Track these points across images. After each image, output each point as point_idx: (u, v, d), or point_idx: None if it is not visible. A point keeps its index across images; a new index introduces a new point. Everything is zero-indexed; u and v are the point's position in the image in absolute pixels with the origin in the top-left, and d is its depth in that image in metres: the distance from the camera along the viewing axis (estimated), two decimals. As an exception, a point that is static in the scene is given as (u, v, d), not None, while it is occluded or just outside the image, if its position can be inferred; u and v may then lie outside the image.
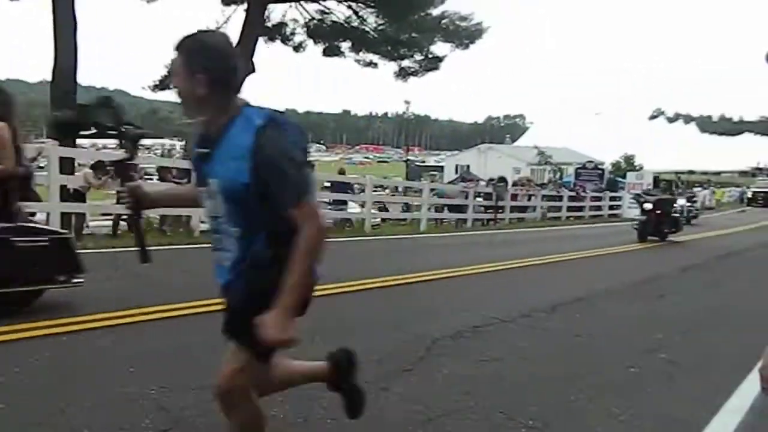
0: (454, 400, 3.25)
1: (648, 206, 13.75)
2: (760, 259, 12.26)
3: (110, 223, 10.98)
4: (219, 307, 2.15)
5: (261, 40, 15.70)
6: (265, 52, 34.47)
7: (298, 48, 17.62)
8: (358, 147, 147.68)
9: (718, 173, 72.42)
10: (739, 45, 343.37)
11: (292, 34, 17.35)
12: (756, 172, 72.32)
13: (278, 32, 17.16)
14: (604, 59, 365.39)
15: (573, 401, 3.36)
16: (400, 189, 28.57)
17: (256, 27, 15.00)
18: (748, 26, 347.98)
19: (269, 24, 16.65)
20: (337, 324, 4.66)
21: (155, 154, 40.69)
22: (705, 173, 65.15)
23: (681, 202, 21.49)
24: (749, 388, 3.79)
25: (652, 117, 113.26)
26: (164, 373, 3.34)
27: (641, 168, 41.79)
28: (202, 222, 10.42)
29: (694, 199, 25.09)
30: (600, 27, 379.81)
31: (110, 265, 6.30)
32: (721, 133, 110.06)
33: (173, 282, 5.91)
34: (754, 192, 44.72)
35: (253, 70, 14.76)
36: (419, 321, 4.93)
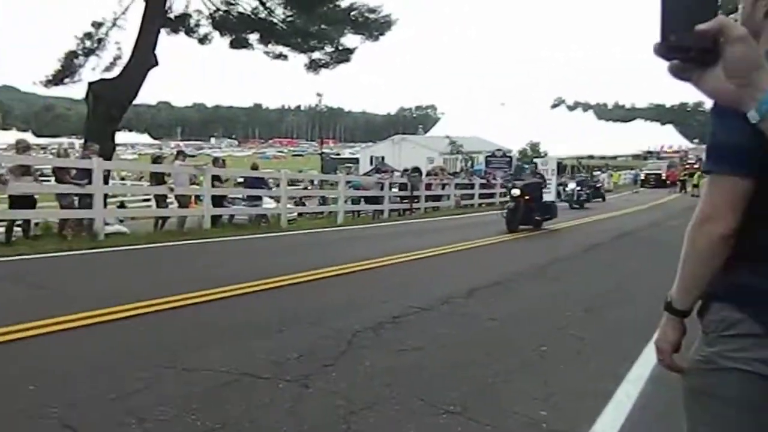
0: (376, 391, 3.27)
1: (516, 192, 12.72)
2: (651, 238, 13.19)
3: (2, 229, 10.15)
4: (124, 315, 2.03)
5: (163, 32, 15.01)
6: (168, 44, 33.33)
7: (203, 40, 17.01)
8: (271, 141, 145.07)
9: (615, 157, 77.26)
10: (630, 37, 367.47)
11: (197, 25, 16.72)
12: (647, 155, 77.91)
13: (181, 24, 16.46)
14: (508, 51, 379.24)
15: (491, 383, 3.48)
16: (315, 182, 28.41)
17: (156, 18, 14.31)
18: (638, 19, 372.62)
19: (171, 15, 15.94)
20: (255, 322, 4.57)
21: (51, 154, 37.95)
22: (603, 158, 69.26)
23: (571, 186, 23.85)
24: (647, 358, 4.08)
25: (554, 106, 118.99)
26: (67, 389, 3.13)
27: (546, 154, 43.89)
28: (106, 224, 9.88)
29: (598, 183, 26.82)
30: (503, 19, 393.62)
31: (3, 275, 5.83)
32: (616, 120, 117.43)
33: (75, 291, 5.57)
34: (646, 174, 48.19)
35: (156, 63, 14.13)
36: (339, 315, 4.92)
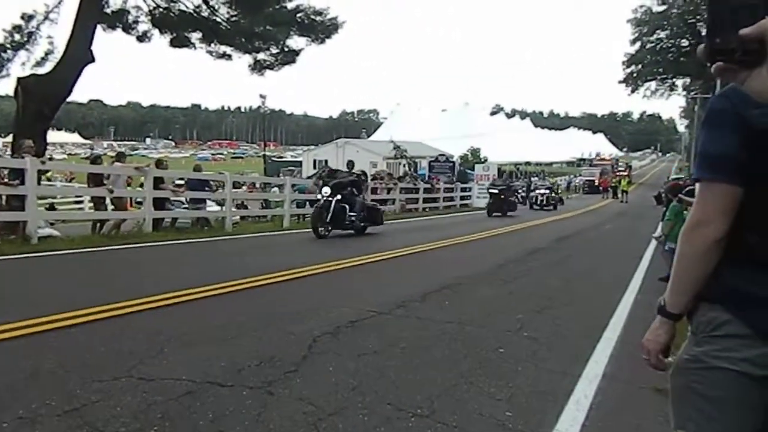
0: (343, 396, 3.24)
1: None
2: (589, 240, 13.74)
3: None
4: (69, 323, 1.92)
5: (100, 28, 14.41)
6: (104, 40, 31.94)
7: (142, 38, 16.42)
8: (210, 143, 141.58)
9: (550, 164, 79.99)
10: (565, 48, 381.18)
11: (135, 22, 16.14)
12: (580, 162, 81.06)
13: (119, 20, 15.85)
14: (447, 57, 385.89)
15: (454, 385, 3.51)
16: (259, 185, 27.91)
17: (92, 13, 13.73)
18: (574, 32, 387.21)
19: (108, 10, 15.34)
20: (211, 328, 4.44)
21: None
22: (539, 164, 71.54)
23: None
24: (600, 356, 4.25)
25: (493, 113, 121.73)
26: (17, 402, 2.93)
27: (486, 160, 44.89)
28: (39, 228, 9.36)
29: (548, 187, 29.15)
30: (443, 27, 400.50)
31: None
32: (551, 128, 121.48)
33: (13, 298, 5.26)
34: (586, 180, 50.03)
35: (92, 60, 13.55)
36: (296, 320, 4.85)
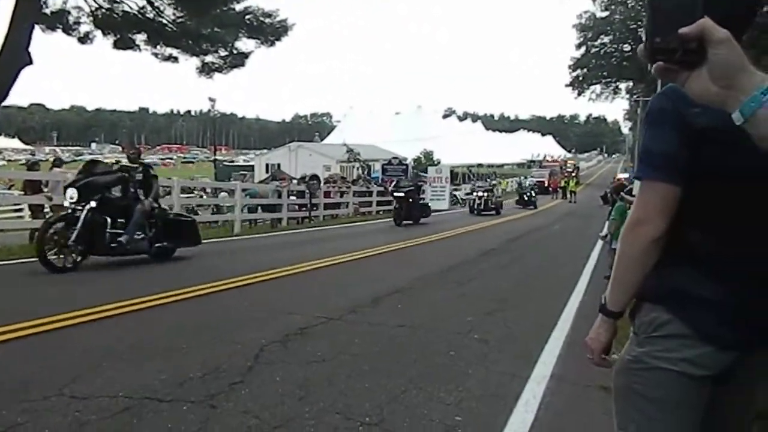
0: (290, 407, 3.15)
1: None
2: (539, 241, 13.99)
3: None
4: None
5: (38, 29, 13.80)
6: (43, 42, 30.60)
7: (84, 39, 15.82)
8: (159, 147, 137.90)
9: (501, 165, 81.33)
10: (515, 51, 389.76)
11: (77, 23, 15.52)
12: (530, 164, 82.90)
13: (59, 21, 15.22)
14: (401, 61, 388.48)
15: (404, 391, 3.47)
16: (209, 190, 27.34)
17: (29, 13, 13.09)
18: (523, 35, 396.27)
19: (47, 11, 14.71)
20: (151, 340, 4.27)
21: None
22: (491, 166, 72.69)
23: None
24: (548, 358, 4.29)
25: (445, 116, 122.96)
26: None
27: (439, 162, 45.31)
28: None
29: (487, 189, 25.06)
30: (396, 31, 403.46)
31: None
32: (501, 131, 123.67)
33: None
34: (521, 181, 51.07)
35: (30, 62, 12.94)
36: (243, 328, 4.72)
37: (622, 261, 1.41)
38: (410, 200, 16.64)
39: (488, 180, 30.43)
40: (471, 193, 25.39)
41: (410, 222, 16.47)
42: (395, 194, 16.89)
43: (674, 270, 1.35)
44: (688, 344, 1.32)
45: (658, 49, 0.89)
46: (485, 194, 22.93)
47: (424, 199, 21.05)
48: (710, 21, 0.85)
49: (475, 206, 22.58)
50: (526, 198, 27.79)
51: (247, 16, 16.15)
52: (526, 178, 54.94)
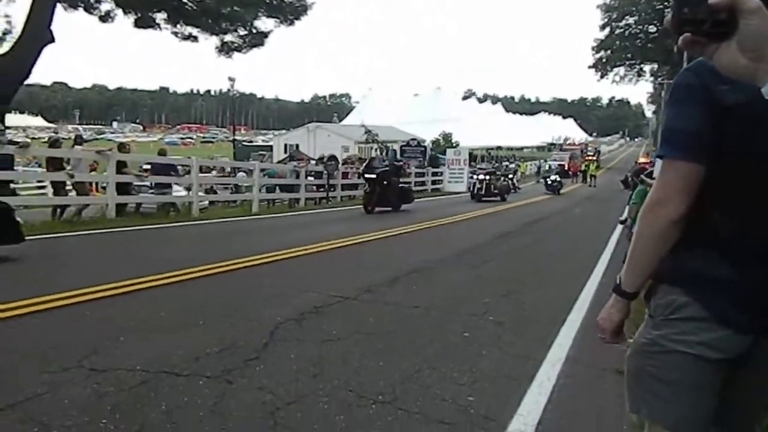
0: (304, 384, 3.17)
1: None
2: (558, 224, 13.88)
3: None
4: (18, 312, 1.81)
5: (60, 7, 13.89)
6: (66, 20, 31.01)
7: (105, 18, 15.94)
8: (178, 126, 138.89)
9: (521, 148, 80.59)
10: (537, 33, 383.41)
11: (98, 1, 15.65)
12: (551, 147, 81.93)
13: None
14: (421, 42, 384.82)
15: (418, 371, 3.48)
16: (228, 170, 27.49)
17: (51, -10, 13.21)
18: (545, 16, 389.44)
19: (68, -12, 14.83)
20: (170, 316, 4.33)
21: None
22: (510, 148, 72.04)
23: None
24: (563, 340, 4.26)
25: (465, 97, 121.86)
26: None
27: (458, 145, 44.99)
28: None
29: (489, 171, 22.95)
30: (415, 11, 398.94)
31: None
32: (522, 113, 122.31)
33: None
34: (550, 165, 50.58)
35: (52, 40, 13.08)
36: (260, 306, 4.76)
37: (640, 242, 1.37)
38: (384, 182, 13.89)
39: (495, 162, 29.65)
40: (471, 177, 23.43)
41: (388, 209, 14.00)
42: (366, 175, 14.16)
43: (693, 252, 1.31)
44: (706, 327, 1.29)
45: (686, 20, 0.85)
46: (487, 177, 20.78)
47: (407, 183, 19.03)
48: None
49: (475, 190, 20.43)
50: (550, 182, 27.27)
51: (267, -5, 16.13)
52: (545, 161, 54.44)
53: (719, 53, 0.86)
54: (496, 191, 20.52)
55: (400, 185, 15.07)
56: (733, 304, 1.26)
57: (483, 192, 20.21)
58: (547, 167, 51.27)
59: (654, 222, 1.32)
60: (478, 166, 26.51)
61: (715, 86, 1.21)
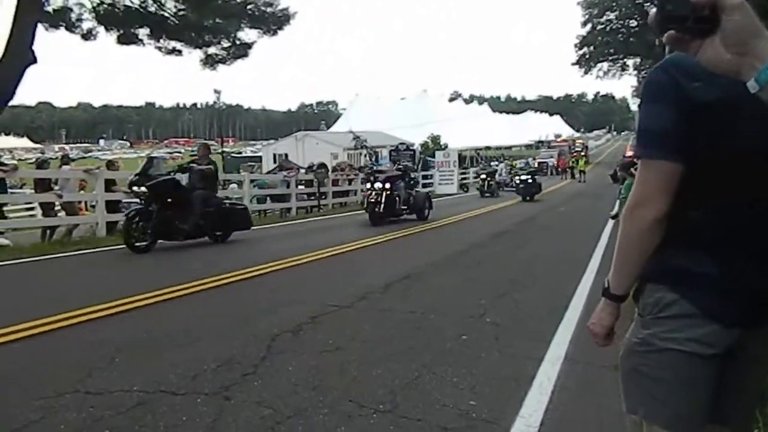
0: (303, 397, 3.15)
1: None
2: (549, 222, 13.90)
3: None
4: (9, 338, 1.78)
5: (42, 27, 13.80)
6: (48, 40, 30.73)
7: (87, 36, 15.81)
8: (166, 141, 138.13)
9: (510, 147, 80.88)
10: (520, 33, 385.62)
11: (79, 20, 15.52)
12: (539, 145, 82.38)
13: (61, 18, 15.23)
14: (406, 46, 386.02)
15: (417, 377, 3.46)
16: (220, 182, 27.28)
17: (32, 11, 13.10)
18: (527, 15, 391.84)
19: (49, 8, 14.71)
20: (165, 334, 4.28)
21: None
22: (499, 148, 72.31)
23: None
24: (561, 338, 4.25)
25: (451, 99, 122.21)
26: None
27: (446, 147, 45.08)
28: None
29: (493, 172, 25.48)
30: (400, 16, 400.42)
31: None
32: (509, 112, 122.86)
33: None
34: (539, 162, 50.82)
35: (34, 61, 12.96)
36: (255, 319, 4.73)
37: (624, 244, 1.37)
38: (392, 190, 12.14)
39: (484, 162, 29.52)
40: (477, 177, 25.71)
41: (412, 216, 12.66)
42: (375, 184, 12.20)
43: (676, 249, 1.31)
44: (694, 323, 1.29)
45: (670, 16, 0.85)
46: (488, 177, 23.63)
47: (431, 185, 19.48)
48: None
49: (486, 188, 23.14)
50: (520, 184, 20.90)
51: (249, 6, 16.09)
52: (533, 158, 54.63)
53: (703, 49, 0.86)
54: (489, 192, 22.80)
55: (416, 191, 13.37)
56: (719, 299, 1.27)
57: (486, 190, 22.85)
58: (520, 165, 51.06)
59: (637, 223, 1.32)
60: (477, 168, 27.35)
61: (687, 83, 1.22)
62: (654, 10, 0.88)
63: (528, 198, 20.11)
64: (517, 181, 21.33)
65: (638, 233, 1.32)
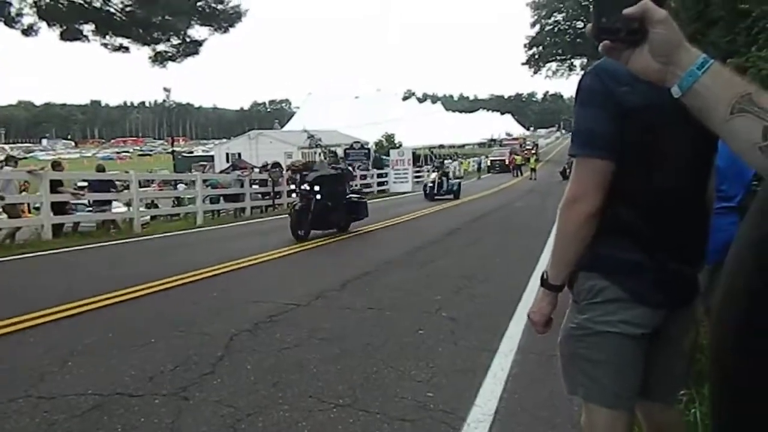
0: (263, 394, 3.17)
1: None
2: (502, 219, 14.21)
3: None
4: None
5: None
6: (-19, 34, 29.25)
7: (28, 31, 15.26)
8: (113, 141, 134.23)
9: (462, 146, 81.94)
10: (472, 33, 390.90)
11: (19, 15, 14.95)
12: (491, 143, 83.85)
13: (0, 13, 14.62)
14: (359, 44, 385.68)
15: (375, 372, 3.52)
16: (171, 183, 26.78)
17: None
18: (478, 16, 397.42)
19: (-14, 2, 14.13)
20: (120, 336, 4.21)
21: None
22: (452, 146, 73.14)
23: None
24: (514, 331, 4.40)
25: (405, 98, 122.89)
26: None
27: (401, 145, 45.36)
28: None
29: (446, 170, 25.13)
30: (353, 13, 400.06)
31: None
32: (461, 111, 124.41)
33: None
34: (492, 161, 51.77)
35: (-30, 56, 12.40)
36: (212, 319, 4.69)
37: (562, 237, 1.48)
38: (321, 196, 9.79)
39: (438, 161, 26.31)
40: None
41: (331, 230, 10.39)
42: (302, 188, 10.22)
43: (608, 240, 1.44)
44: (625, 307, 1.42)
45: (604, 29, 0.94)
46: (439, 176, 20.75)
47: (357, 193, 12.66)
48: (651, 2, 0.90)
49: (428, 190, 20.43)
50: (429, 188, 20.59)
51: (199, 3, 15.88)
52: (486, 157, 55.51)
53: (633, 58, 0.95)
54: (444, 191, 20.47)
55: (348, 197, 10.90)
56: (645, 283, 1.41)
57: (436, 191, 20.22)
58: (487, 162, 52.08)
59: (573, 218, 1.43)
60: (431, 166, 24.88)
61: (616, 88, 1.34)
62: (591, 22, 0.96)
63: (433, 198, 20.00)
64: (428, 187, 20.86)
65: (574, 227, 1.43)
